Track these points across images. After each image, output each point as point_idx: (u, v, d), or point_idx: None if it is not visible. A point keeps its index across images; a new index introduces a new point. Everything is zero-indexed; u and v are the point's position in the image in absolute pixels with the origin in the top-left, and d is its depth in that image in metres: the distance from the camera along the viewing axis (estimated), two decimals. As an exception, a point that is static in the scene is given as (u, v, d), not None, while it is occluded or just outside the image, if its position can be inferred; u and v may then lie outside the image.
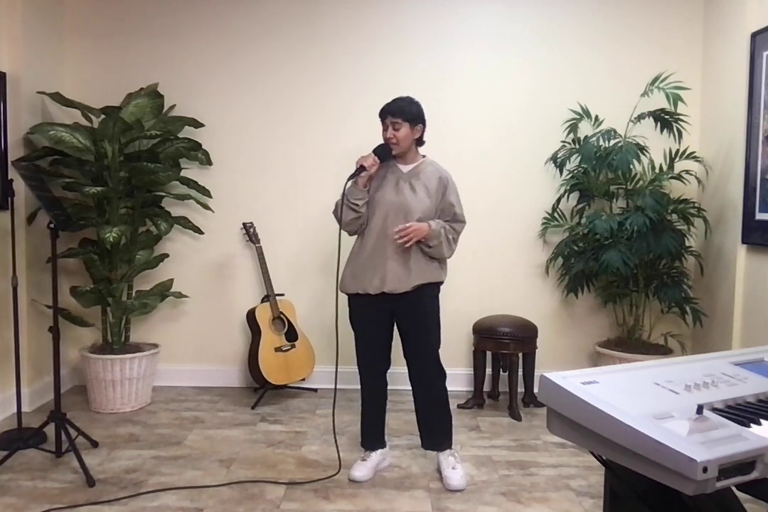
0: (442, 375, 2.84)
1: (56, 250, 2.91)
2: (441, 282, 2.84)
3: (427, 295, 2.79)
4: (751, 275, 3.36)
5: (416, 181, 2.75)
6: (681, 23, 3.94)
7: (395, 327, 2.85)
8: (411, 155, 2.80)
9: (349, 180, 2.72)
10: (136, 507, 2.53)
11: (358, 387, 2.93)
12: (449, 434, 2.89)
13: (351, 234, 2.86)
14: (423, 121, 2.77)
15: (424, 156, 2.85)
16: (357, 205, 2.73)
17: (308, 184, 4.07)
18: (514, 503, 2.61)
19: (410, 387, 2.86)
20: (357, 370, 2.90)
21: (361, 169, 2.69)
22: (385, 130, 2.73)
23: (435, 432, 2.87)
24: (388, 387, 2.93)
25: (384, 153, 2.74)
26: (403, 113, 2.69)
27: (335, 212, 2.80)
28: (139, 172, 3.59)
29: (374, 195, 2.78)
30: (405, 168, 2.80)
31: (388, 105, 2.74)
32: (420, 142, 2.82)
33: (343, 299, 2.88)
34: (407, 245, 2.64)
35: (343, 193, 2.73)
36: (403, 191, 2.74)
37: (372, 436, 2.92)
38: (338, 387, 4.00)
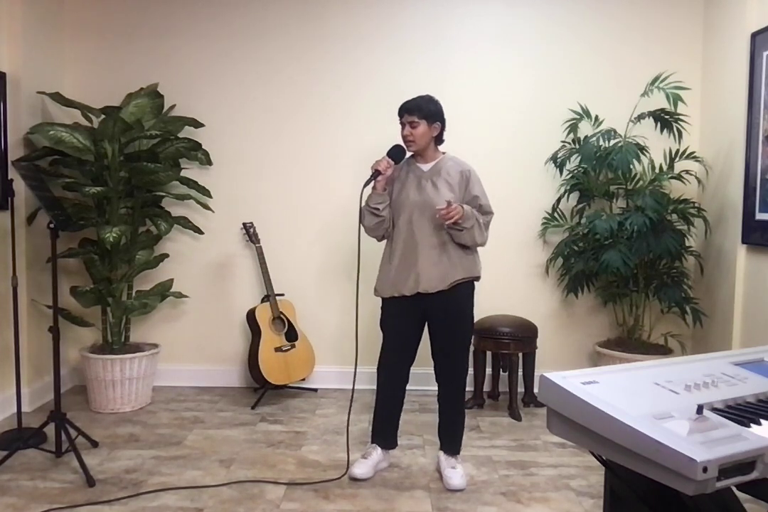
0: (466, 373, 2.86)
1: (56, 250, 2.91)
2: (477, 278, 2.83)
3: (462, 294, 2.78)
4: (751, 275, 3.36)
5: (437, 178, 2.75)
6: (681, 23, 3.94)
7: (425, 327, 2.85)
8: (430, 153, 2.80)
9: (365, 186, 2.73)
10: (136, 507, 2.53)
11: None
12: (462, 436, 2.91)
13: (379, 239, 2.88)
14: (441, 119, 2.77)
15: (443, 152, 2.85)
16: (378, 209, 2.75)
17: (308, 183, 4.07)
18: (514, 503, 2.61)
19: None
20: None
21: (376, 173, 2.71)
22: (402, 127, 2.74)
23: (457, 435, 2.88)
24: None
25: (397, 154, 2.76)
26: (420, 111, 2.69)
27: (360, 220, 2.81)
28: (139, 172, 3.59)
29: (398, 196, 2.79)
30: (425, 167, 2.80)
31: (406, 102, 2.75)
32: (439, 140, 2.82)
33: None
34: (449, 222, 2.59)
35: (360, 199, 2.73)
36: (425, 190, 2.74)
37: (385, 434, 2.91)
38: (339, 387, 4.05)
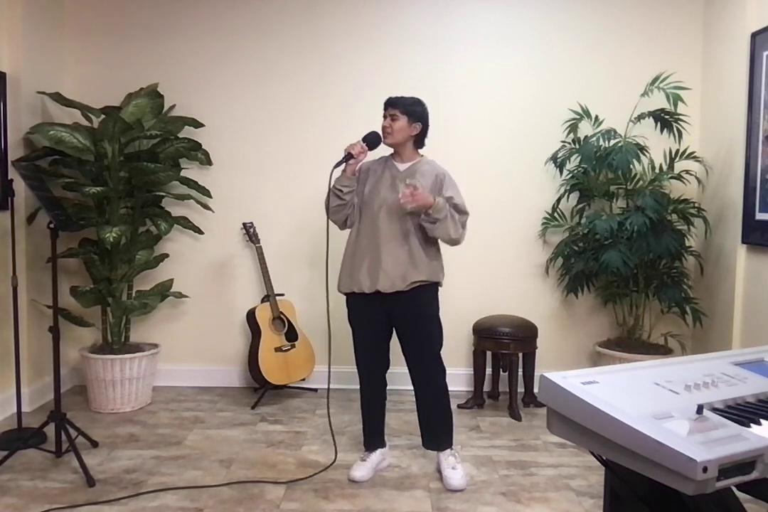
0: (442, 372, 2.82)
1: (56, 250, 2.91)
2: (438, 283, 2.82)
3: (424, 297, 2.77)
4: (751, 275, 3.36)
5: (411, 180, 2.75)
6: (681, 23, 3.94)
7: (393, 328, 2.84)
8: (408, 154, 2.80)
9: (335, 167, 2.71)
10: (136, 507, 2.53)
11: (358, 386, 2.92)
12: (450, 433, 2.89)
13: (340, 226, 2.86)
14: (423, 121, 2.76)
15: (422, 155, 2.85)
16: (341, 191, 2.72)
17: (308, 183, 4.06)
18: (514, 503, 2.61)
19: (410, 387, 2.86)
20: (356, 370, 2.89)
21: (348, 156, 2.70)
22: (384, 119, 2.75)
23: (435, 431, 2.87)
24: (388, 387, 2.93)
25: (373, 141, 2.75)
26: (404, 106, 2.71)
27: (325, 201, 2.79)
28: (139, 172, 3.59)
29: (370, 192, 2.78)
30: (402, 166, 2.80)
31: (393, 96, 2.76)
32: (419, 142, 2.81)
33: (339, 298, 2.88)
34: (409, 207, 2.57)
35: (329, 180, 2.72)
36: (397, 189, 2.73)
37: (372, 436, 2.92)
38: (339, 386, 4.04)
